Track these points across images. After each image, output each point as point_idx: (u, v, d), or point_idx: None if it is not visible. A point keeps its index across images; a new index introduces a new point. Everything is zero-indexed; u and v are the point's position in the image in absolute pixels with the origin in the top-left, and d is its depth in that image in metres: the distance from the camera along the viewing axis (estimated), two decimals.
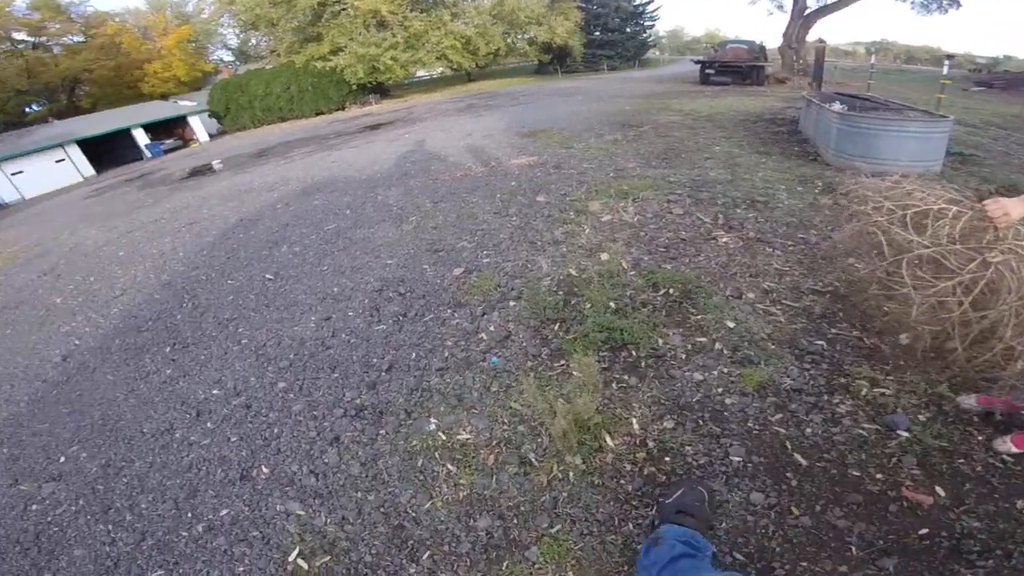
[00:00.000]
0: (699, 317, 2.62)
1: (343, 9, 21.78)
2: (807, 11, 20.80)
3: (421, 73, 29.71)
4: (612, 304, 2.79)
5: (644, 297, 2.83)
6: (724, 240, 3.39)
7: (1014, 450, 1.83)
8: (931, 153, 4.81)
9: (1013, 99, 16.95)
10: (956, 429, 1.87)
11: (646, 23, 37.66)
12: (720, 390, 2.15)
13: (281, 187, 7.84)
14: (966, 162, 5.23)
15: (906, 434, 1.88)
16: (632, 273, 3.08)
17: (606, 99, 12.58)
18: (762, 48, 17.60)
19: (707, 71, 16.48)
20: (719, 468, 1.81)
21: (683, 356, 2.37)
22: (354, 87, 23.39)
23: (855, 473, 1.75)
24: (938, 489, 1.68)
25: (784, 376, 2.18)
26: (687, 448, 1.90)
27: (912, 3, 20.22)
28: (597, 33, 32.27)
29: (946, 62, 8.76)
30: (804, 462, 1.80)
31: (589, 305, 2.82)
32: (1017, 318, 1.52)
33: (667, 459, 1.87)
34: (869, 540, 1.54)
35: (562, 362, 2.45)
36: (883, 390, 2.06)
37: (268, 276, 4.24)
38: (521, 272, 3.35)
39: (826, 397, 2.07)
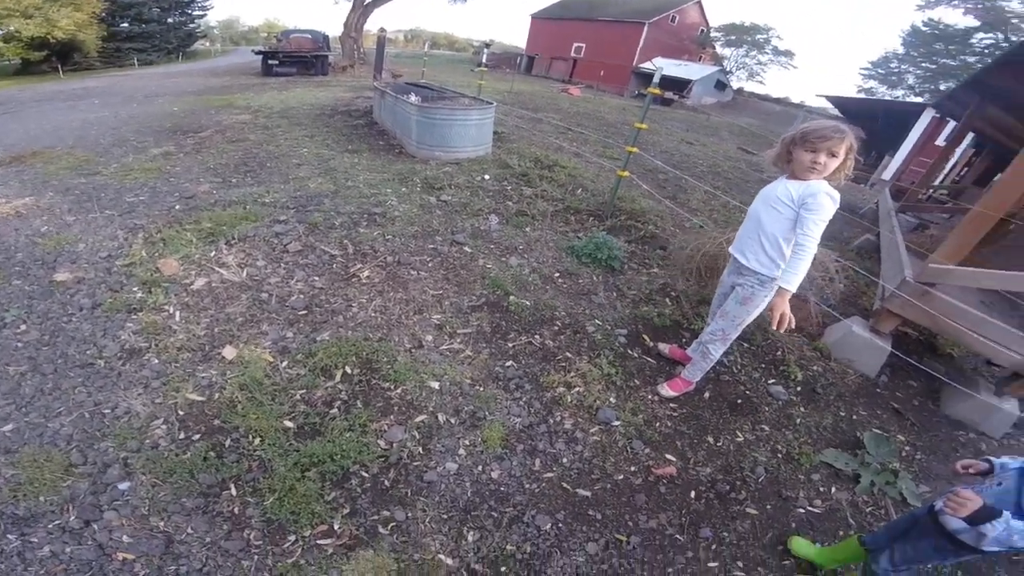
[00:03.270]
0: (399, 391, 2.22)
1: None
2: (367, 1, 22.03)
3: None
4: (289, 424, 2.01)
5: (322, 394, 2.15)
6: (366, 275, 2.98)
7: (671, 392, 2.41)
8: (486, 137, 5.69)
9: (501, 76, 23.43)
10: (641, 402, 2.37)
11: (195, 13, 31.81)
12: (480, 468, 1.96)
13: None
14: (501, 139, 6.53)
15: (618, 423, 2.22)
16: (285, 364, 2.26)
17: (140, 100, 9.51)
18: (326, 38, 17.66)
19: (270, 62, 15.47)
20: (544, 545, 1.74)
21: (420, 450, 1.99)
22: None
23: (620, 477, 2.00)
24: (669, 456, 2.14)
25: (511, 416, 2.18)
26: (508, 547, 1.72)
27: None
28: (125, 25, 25.71)
29: (484, 49, 10.83)
30: (587, 493, 1.91)
31: (258, 440, 1.93)
32: None
33: (504, 569, 1.65)
34: (679, 524, 1.89)
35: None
36: (577, 388, 2.35)
37: None
38: (101, 431, 1.91)
39: (551, 420, 2.19)
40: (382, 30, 10.64)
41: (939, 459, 2.46)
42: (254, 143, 5.74)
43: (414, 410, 2.12)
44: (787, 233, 1.88)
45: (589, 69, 32.32)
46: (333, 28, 24.81)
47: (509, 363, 2.44)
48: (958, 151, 11.02)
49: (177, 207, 3.71)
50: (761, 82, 38.94)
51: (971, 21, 26.36)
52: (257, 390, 2.12)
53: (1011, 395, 2.77)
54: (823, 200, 1.73)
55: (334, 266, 3.06)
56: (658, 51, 30.96)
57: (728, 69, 35.28)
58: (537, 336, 2.67)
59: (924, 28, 27.96)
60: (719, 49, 36.55)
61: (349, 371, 2.27)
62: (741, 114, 26.99)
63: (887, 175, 13.06)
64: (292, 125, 6.81)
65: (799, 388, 2.70)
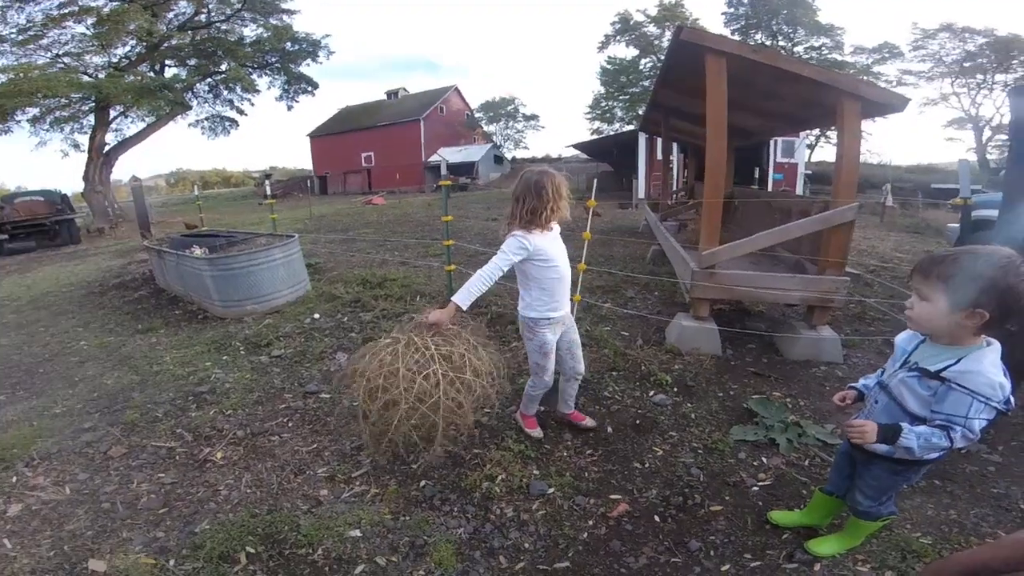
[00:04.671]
0: (320, 551, 1.92)
1: None
2: (106, 148, 19.08)
3: None
4: None
5: None
6: (220, 456, 2.53)
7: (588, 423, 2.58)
8: (299, 274, 5.31)
9: (295, 203, 22.93)
10: (562, 463, 2.40)
11: None
12: None
13: None
14: (319, 271, 6.31)
15: (552, 489, 2.22)
16: (172, 563, 1.86)
17: None
18: (64, 198, 14.63)
19: None
20: None
21: None
22: None
23: (584, 535, 1.99)
24: (614, 496, 2.19)
25: (452, 530, 2.03)
26: None
27: (202, 128, 22.90)
28: None
29: (266, 180, 10.51)
30: (566, 563, 1.86)
31: None
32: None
33: None
34: (666, 549, 1.91)
35: None
36: (500, 477, 2.29)
37: None
38: None
39: (492, 515, 2.09)
40: (135, 179, 9.64)
41: (817, 397, 2.94)
42: (11, 348, 4.57)
43: (348, 563, 1.86)
44: None
45: (385, 175, 33.76)
46: (70, 185, 21.47)
47: (423, 483, 2.30)
48: (674, 159, 14.22)
49: None
50: (526, 148, 45.12)
51: (633, 51, 33.08)
52: None
53: (820, 324, 3.49)
54: None
55: (176, 458, 2.56)
56: (439, 143, 34.06)
57: (499, 144, 40.38)
58: (438, 447, 2.54)
59: (608, 65, 34.02)
60: (486, 127, 41.70)
61: (253, 550, 1.91)
62: None
63: (641, 195, 16.22)
64: (55, 316, 5.59)
65: (675, 388, 3.06)
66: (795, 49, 30.22)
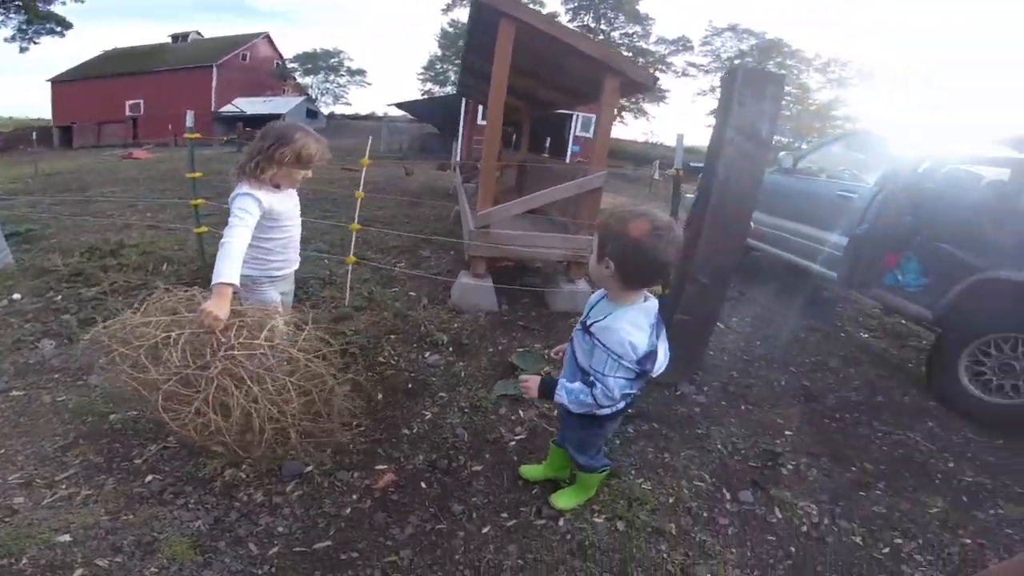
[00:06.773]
0: (25, 561, 1.57)
1: None
2: None
3: None
4: None
5: None
6: None
7: None
8: None
9: (18, 158, 17.42)
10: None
11: None
12: None
13: None
14: (32, 239, 5.04)
15: (310, 468, 2.07)
16: None
17: None
18: None
19: None
20: None
21: None
22: None
23: (348, 511, 1.90)
24: (379, 467, 2.11)
25: (187, 523, 1.81)
26: None
27: None
28: None
29: None
30: (327, 542, 1.76)
31: None
32: (259, 407, 1.67)
33: None
34: (431, 515, 1.87)
35: None
36: (248, 461, 2.02)
37: None
38: None
39: (237, 504, 1.90)
40: None
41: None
42: None
43: (63, 568, 1.58)
44: None
45: (157, 125, 27.75)
46: None
47: (149, 478, 2.00)
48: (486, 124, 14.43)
49: None
50: (348, 103, 41.72)
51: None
52: None
53: (577, 278, 3.89)
54: None
55: None
56: (236, 92, 29.40)
57: (314, 97, 36.42)
58: (170, 437, 2.20)
59: (450, 29, 34.04)
60: (300, 79, 37.21)
61: None
62: (339, 137, 28.41)
63: (459, 157, 16.32)
64: None
65: (450, 348, 3.11)
66: (612, 34, 33.03)
